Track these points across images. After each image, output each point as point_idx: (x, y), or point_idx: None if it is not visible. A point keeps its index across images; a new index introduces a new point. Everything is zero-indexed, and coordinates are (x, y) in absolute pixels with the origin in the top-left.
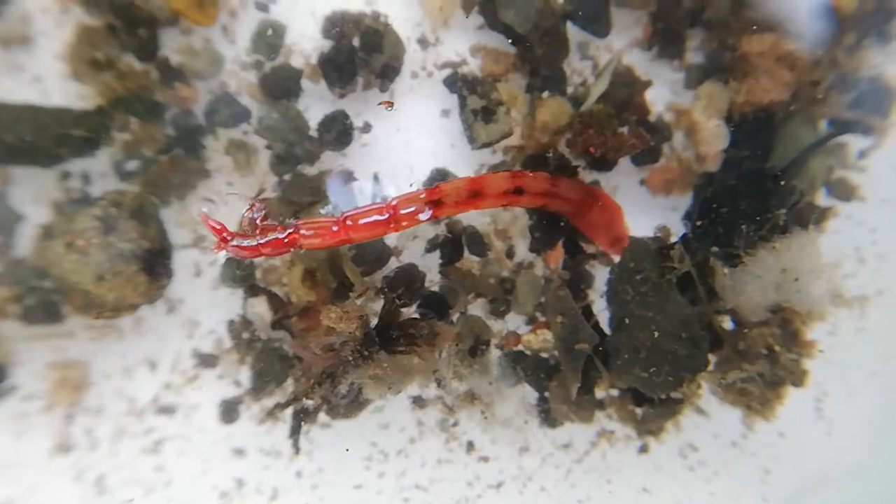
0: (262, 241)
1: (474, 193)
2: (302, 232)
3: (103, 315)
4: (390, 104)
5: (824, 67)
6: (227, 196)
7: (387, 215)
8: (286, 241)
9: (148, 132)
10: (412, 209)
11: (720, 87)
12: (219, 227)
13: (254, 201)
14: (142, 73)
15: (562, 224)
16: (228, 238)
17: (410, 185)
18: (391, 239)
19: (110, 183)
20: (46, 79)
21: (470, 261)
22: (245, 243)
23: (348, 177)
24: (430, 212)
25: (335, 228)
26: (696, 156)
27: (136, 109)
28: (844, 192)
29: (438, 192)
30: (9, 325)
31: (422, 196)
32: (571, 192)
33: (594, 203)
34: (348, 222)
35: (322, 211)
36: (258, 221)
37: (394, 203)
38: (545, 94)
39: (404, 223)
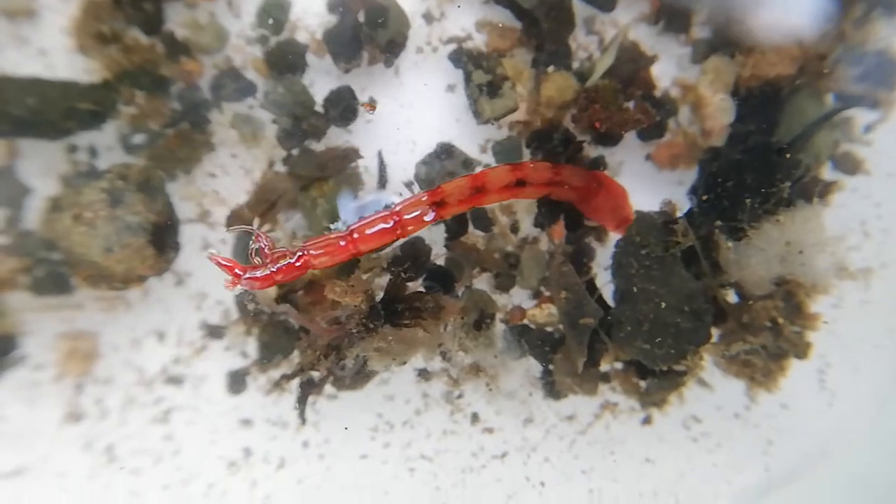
0: (274, 269)
1: (477, 190)
2: (312, 252)
3: (112, 286)
4: (372, 108)
5: (831, 41)
6: (228, 167)
7: (392, 222)
8: (298, 264)
9: (154, 106)
10: (417, 213)
11: (726, 61)
12: (230, 265)
13: (258, 232)
14: (147, 47)
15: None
16: (240, 273)
17: (410, 187)
18: None
19: (117, 156)
20: (52, 52)
21: (475, 236)
22: (258, 274)
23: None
24: (434, 213)
25: (343, 243)
26: (702, 130)
27: (142, 83)
28: (850, 165)
29: (440, 192)
30: (18, 295)
31: (424, 199)
32: (575, 178)
33: (599, 188)
34: (355, 235)
35: (332, 227)
36: (267, 250)
37: (398, 209)
38: (550, 68)
39: (410, 227)
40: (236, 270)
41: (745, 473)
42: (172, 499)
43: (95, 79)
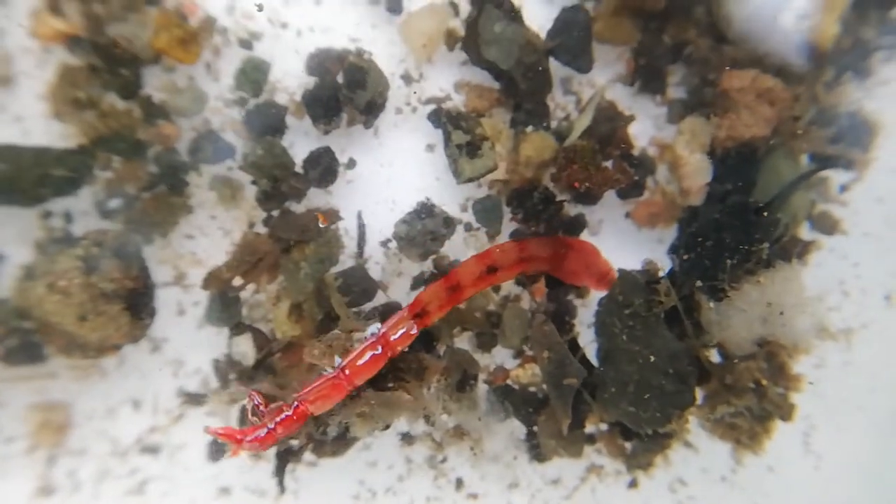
0: (272, 426)
1: (452, 290)
2: (307, 400)
3: (87, 355)
4: (325, 220)
5: (804, 103)
6: (207, 228)
7: (380, 348)
8: (295, 417)
9: (131, 170)
10: (402, 330)
11: (702, 121)
12: (228, 434)
13: (249, 390)
14: (124, 112)
15: None
16: (241, 437)
17: (387, 245)
18: (376, 273)
19: (92, 221)
20: (28, 118)
21: None
22: (260, 434)
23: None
24: (416, 325)
25: (337, 383)
26: (680, 189)
27: (119, 148)
28: (827, 225)
29: (419, 303)
30: None
31: (405, 315)
32: (541, 250)
33: (567, 252)
34: (347, 371)
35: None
36: (262, 408)
37: (383, 332)
38: (529, 128)
39: (399, 347)
40: (237, 437)
41: None
42: None
43: (72, 144)
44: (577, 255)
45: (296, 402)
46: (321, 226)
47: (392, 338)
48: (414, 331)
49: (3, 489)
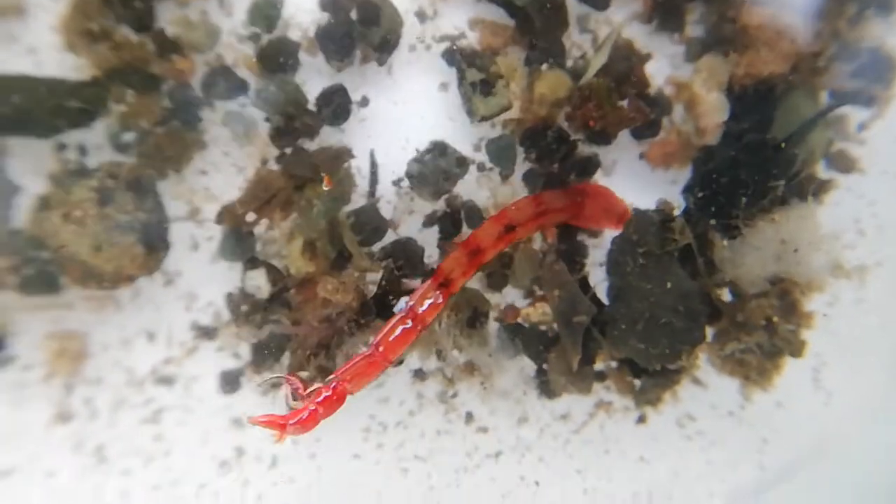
0: (314, 407)
1: (473, 254)
2: (346, 379)
3: (102, 286)
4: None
5: (825, 38)
6: (220, 164)
7: (410, 322)
8: (335, 396)
9: (144, 104)
10: (430, 301)
11: (720, 59)
12: (272, 421)
13: (287, 376)
14: (137, 45)
15: None
16: (284, 423)
17: (399, 184)
18: (388, 212)
19: (106, 155)
20: (41, 50)
21: (468, 235)
22: (302, 416)
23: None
24: (443, 294)
25: (372, 360)
26: (696, 129)
27: (132, 81)
28: (844, 164)
29: (441, 273)
30: (6, 295)
31: (430, 286)
32: (557, 202)
33: (583, 199)
34: (381, 348)
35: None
36: (301, 391)
37: (412, 305)
38: (544, 66)
39: (428, 318)
40: (280, 423)
41: (740, 472)
42: (163, 499)
43: (85, 76)
44: (594, 201)
45: (334, 383)
46: (325, 188)
47: (420, 310)
48: (440, 300)
49: (22, 415)
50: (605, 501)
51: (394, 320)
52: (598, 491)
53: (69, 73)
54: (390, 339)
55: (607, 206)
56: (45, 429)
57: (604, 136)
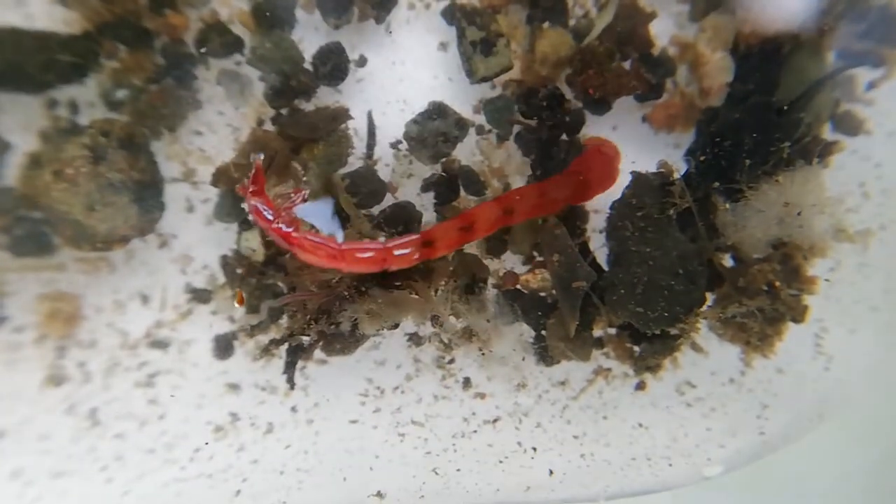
0: (274, 224)
1: (464, 230)
2: (305, 240)
3: (95, 247)
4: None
5: None
6: (215, 125)
7: (373, 253)
8: (287, 239)
9: (137, 60)
10: (405, 252)
11: (726, 18)
12: (259, 178)
13: (301, 188)
14: None
15: (562, 157)
16: (254, 192)
17: (398, 146)
18: (385, 174)
19: (99, 112)
20: (31, 2)
21: (467, 200)
22: (265, 211)
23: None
24: (419, 254)
25: (331, 252)
26: (700, 90)
27: (124, 36)
28: (851, 126)
29: (429, 234)
30: None
31: (415, 239)
32: (562, 191)
33: (587, 174)
34: (344, 251)
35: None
36: (288, 206)
37: (390, 245)
38: (546, 25)
39: (395, 264)
40: (255, 188)
41: (740, 438)
42: (158, 463)
43: (75, 30)
44: (598, 170)
45: (297, 235)
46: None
47: (395, 252)
48: (416, 257)
49: (14, 377)
50: (603, 467)
51: (371, 242)
52: (596, 456)
53: (60, 27)
54: (356, 252)
55: (611, 169)
56: (38, 391)
57: (603, 104)
